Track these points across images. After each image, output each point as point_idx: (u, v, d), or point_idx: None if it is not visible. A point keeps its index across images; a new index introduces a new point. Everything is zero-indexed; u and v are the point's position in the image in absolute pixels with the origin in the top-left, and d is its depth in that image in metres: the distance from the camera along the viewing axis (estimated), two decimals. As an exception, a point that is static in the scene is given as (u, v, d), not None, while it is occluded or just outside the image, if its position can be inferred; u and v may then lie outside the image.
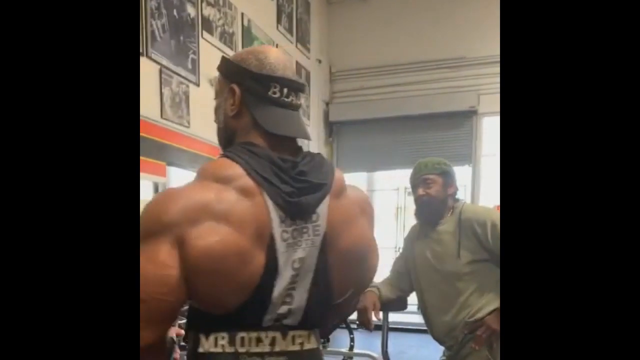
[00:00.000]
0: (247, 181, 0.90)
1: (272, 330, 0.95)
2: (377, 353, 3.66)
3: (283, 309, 0.94)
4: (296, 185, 0.92)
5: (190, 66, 4.24)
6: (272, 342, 0.95)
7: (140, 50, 3.71)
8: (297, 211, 0.92)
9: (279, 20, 5.74)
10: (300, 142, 0.98)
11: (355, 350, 3.62)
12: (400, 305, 2.24)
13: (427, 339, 5.27)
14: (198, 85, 4.36)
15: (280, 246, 0.91)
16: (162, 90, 3.92)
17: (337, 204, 0.97)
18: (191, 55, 4.26)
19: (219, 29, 4.63)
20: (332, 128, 7.12)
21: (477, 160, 6.13)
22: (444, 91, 6.11)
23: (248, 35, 5.16)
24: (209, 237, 0.86)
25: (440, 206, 2.09)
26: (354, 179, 7.66)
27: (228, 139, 1.02)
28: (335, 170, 0.99)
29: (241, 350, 0.94)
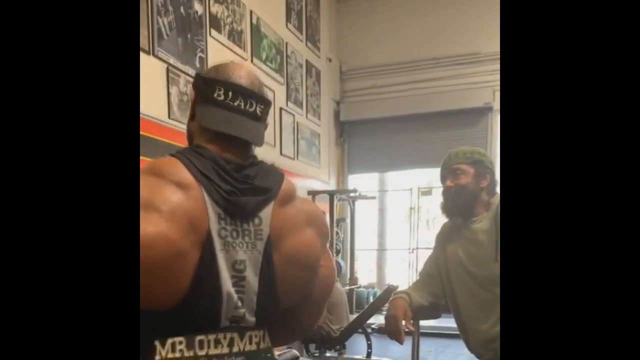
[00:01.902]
0: (186, 176, 0.92)
1: (229, 331, 0.95)
2: (395, 360, 3.54)
3: (237, 311, 0.95)
4: (237, 186, 0.94)
5: (198, 65, 4.13)
6: (231, 343, 0.96)
7: (147, 49, 3.60)
8: (235, 210, 0.93)
9: (288, 18, 5.63)
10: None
11: (373, 357, 3.49)
12: (433, 312, 1.96)
13: (446, 343, 5.20)
14: (206, 84, 4.24)
15: (217, 243, 0.92)
16: (170, 90, 3.80)
17: (282, 211, 0.99)
18: (199, 54, 4.15)
19: (227, 27, 4.52)
20: (343, 128, 7.01)
21: (493, 158, 5.96)
22: (458, 88, 5.98)
23: (257, 34, 5.05)
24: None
25: (471, 199, 1.81)
26: (365, 180, 7.58)
27: (189, 142, 1.06)
28: (286, 181, 1.02)
29: (200, 353, 0.93)
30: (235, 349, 0.96)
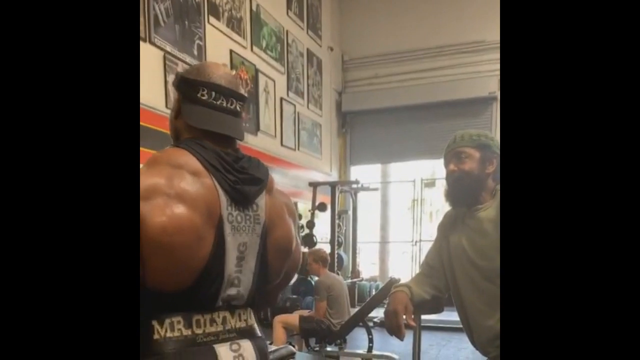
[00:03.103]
0: (198, 166, 1.00)
1: (222, 310, 1.04)
2: (397, 354, 3.47)
3: (232, 290, 1.03)
4: (238, 176, 1.04)
5: (196, 53, 4.04)
6: (224, 321, 1.04)
7: (143, 36, 3.52)
8: (239, 198, 1.03)
9: (289, 6, 5.53)
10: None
11: (375, 352, 3.42)
12: (435, 306, 1.84)
13: (448, 337, 5.14)
14: (205, 73, 4.15)
15: (227, 227, 1.01)
16: (167, 78, 3.72)
17: (271, 199, 1.10)
18: (197, 41, 4.06)
19: (226, 14, 4.42)
20: (345, 118, 6.96)
21: (498, 148, 5.90)
22: (462, 77, 5.91)
23: (257, 21, 4.95)
24: (164, 213, 0.93)
25: (476, 185, 1.65)
26: (368, 171, 7.51)
27: (175, 137, 1.13)
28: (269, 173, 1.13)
29: (198, 331, 1.01)
30: (228, 327, 1.05)
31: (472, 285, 1.67)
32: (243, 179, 1.04)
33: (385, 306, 1.71)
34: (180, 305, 0.99)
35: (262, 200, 1.07)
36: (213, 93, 1.06)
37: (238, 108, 1.10)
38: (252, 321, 1.11)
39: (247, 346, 1.06)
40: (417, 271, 1.91)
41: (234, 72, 1.18)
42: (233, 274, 1.03)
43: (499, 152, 1.68)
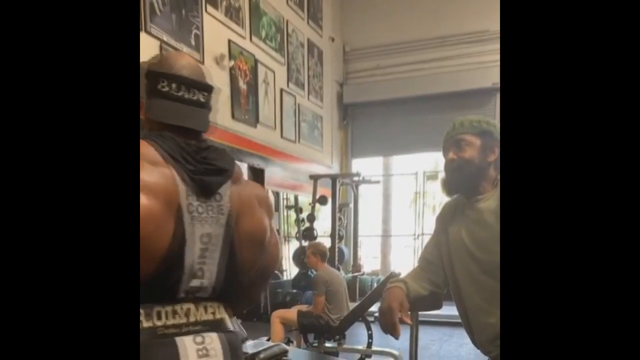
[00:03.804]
0: (157, 156, 1.00)
1: (185, 302, 1.03)
2: (397, 350, 3.41)
3: (195, 282, 1.02)
4: (199, 166, 1.03)
5: (193, 42, 3.96)
6: (187, 313, 1.03)
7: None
8: (199, 189, 1.02)
9: (289, -5, 5.44)
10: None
11: (374, 348, 3.37)
12: (433, 302, 1.75)
13: (450, 332, 5.08)
14: (202, 63, 4.07)
15: (186, 217, 1.00)
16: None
17: (237, 189, 1.09)
18: (194, 31, 3.98)
19: (224, 3, 4.34)
20: (346, 110, 6.88)
21: (501, 141, 5.83)
22: (465, 68, 5.82)
23: (256, 11, 4.86)
24: None
25: (476, 175, 1.56)
26: (370, 164, 7.45)
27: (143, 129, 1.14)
28: (235, 163, 1.12)
29: (158, 323, 0.99)
30: (192, 319, 1.03)
31: (471, 280, 1.58)
32: (204, 170, 1.04)
33: (380, 303, 1.64)
34: (142, 296, 0.96)
35: (226, 191, 1.06)
36: (173, 85, 1.06)
37: (202, 99, 1.10)
38: (222, 314, 1.09)
39: (213, 339, 1.04)
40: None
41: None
42: (196, 265, 1.02)
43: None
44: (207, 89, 1.10)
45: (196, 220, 1.01)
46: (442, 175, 1.75)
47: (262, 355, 1.58)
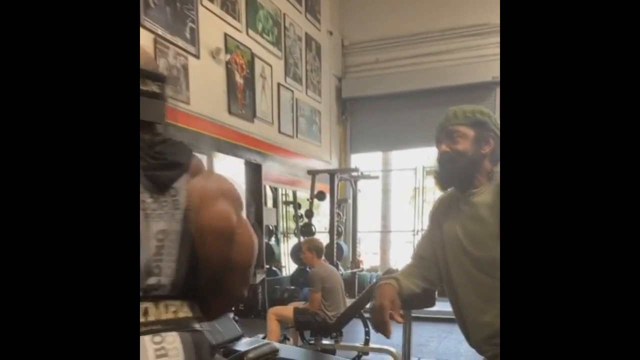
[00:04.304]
0: None
1: (143, 301, 1.00)
2: (394, 347, 3.37)
3: (152, 280, 1.00)
4: (151, 162, 1.01)
5: (188, 36, 3.91)
6: (145, 313, 1.00)
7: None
8: (152, 185, 1.00)
9: (286, -13, 5.38)
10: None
11: (372, 345, 3.33)
12: (426, 300, 1.70)
13: (449, 328, 5.04)
14: (198, 57, 4.03)
15: (140, 215, 0.98)
16: (158, 62, 3.59)
17: (195, 182, 1.06)
18: (190, 24, 3.93)
19: (220, -4, 4.28)
20: (345, 105, 6.83)
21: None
22: (465, 62, 5.78)
23: (253, 4, 4.81)
24: None
25: (470, 167, 1.49)
26: (369, 159, 7.41)
27: None
28: (194, 155, 1.10)
29: None
30: (151, 318, 1.00)
31: (466, 276, 1.53)
32: (156, 165, 1.02)
33: (372, 301, 1.59)
34: None
35: (181, 184, 1.04)
36: None
37: (156, 89, 1.07)
38: (186, 313, 1.06)
39: (172, 339, 1.01)
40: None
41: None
42: (152, 263, 1.00)
43: (496, 130, 1.54)
44: (159, 78, 1.08)
45: (150, 218, 1.00)
46: (435, 168, 1.69)
47: (250, 355, 1.54)
